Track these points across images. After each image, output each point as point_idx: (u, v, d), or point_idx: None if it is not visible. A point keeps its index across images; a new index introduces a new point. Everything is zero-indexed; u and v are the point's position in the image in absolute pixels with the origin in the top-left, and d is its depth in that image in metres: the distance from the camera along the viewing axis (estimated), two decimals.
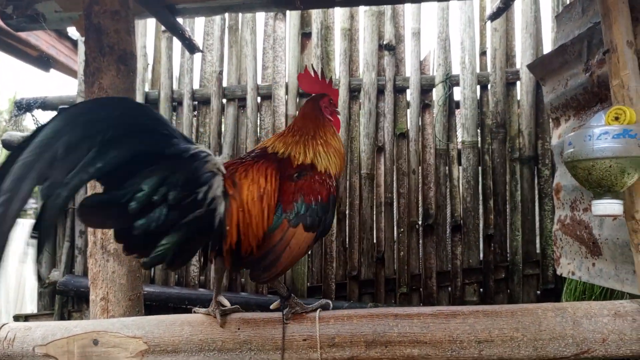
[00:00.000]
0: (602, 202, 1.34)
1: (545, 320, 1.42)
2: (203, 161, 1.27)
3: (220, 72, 2.97)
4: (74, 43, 4.14)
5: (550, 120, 2.11)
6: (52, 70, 4.13)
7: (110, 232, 1.62)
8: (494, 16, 2.46)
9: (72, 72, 4.62)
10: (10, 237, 1.02)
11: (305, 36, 2.99)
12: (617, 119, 1.37)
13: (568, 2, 2.21)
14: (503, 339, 1.40)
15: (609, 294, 2.07)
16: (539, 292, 2.76)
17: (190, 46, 2.59)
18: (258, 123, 2.97)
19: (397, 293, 2.77)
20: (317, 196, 1.46)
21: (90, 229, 1.66)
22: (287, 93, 2.93)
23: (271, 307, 1.53)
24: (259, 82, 2.97)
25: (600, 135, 1.30)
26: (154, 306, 2.72)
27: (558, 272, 2.00)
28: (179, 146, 1.24)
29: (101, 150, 1.10)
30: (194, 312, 1.50)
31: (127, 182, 1.15)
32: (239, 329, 1.44)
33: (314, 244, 1.49)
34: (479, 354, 1.41)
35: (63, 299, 2.94)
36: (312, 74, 1.70)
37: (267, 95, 2.95)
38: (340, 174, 1.59)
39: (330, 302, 1.52)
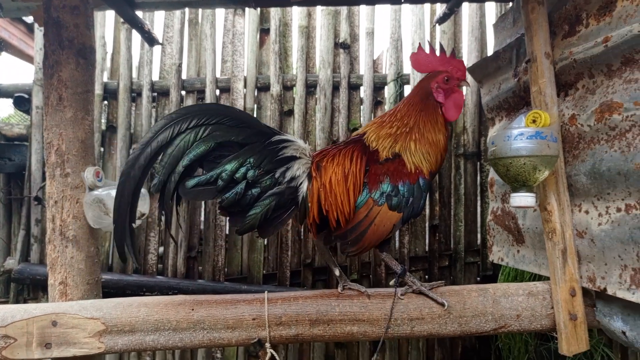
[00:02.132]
0: (518, 195, 1.51)
1: (469, 299, 1.60)
2: (281, 147, 1.55)
3: (180, 65, 3.02)
4: (28, 26, 4.06)
5: (487, 119, 2.30)
6: (3, 53, 4.05)
7: (69, 219, 1.69)
8: (440, 20, 2.63)
9: (25, 56, 4.53)
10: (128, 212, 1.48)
11: (264, 32, 3.08)
12: (534, 121, 1.55)
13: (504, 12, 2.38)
14: (432, 317, 1.58)
15: (537, 279, 2.29)
16: (479, 278, 2.98)
17: (149, 39, 2.64)
18: None
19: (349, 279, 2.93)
20: (404, 178, 1.56)
21: (49, 217, 1.71)
22: (245, 87, 3.02)
23: (390, 283, 1.67)
24: (218, 75, 3.04)
25: (517, 136, 1.46)
26: (111, 294, 2.77)
27: (490, 259, 2.19)
28: (260, 136, 1.55)
29: (199, 140, 1.49)
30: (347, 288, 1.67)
31: (217, 165, 1.50)
32: (192, 309, 1.55)
33: (403, 224, 1.61)
34: (411, 330, 1.58)
35: (18, 286, 2.95)
36: (427, 50, 1.65)
37: (225, 89, 3.02)
38: (438, 168, 1.61)
39: (443, 282, 1.66)
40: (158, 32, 2.96)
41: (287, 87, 3.05)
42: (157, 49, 3.02)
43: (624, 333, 1.45)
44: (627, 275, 1.35)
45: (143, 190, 1.80)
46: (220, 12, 3.10)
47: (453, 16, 3.03)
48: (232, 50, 3.05)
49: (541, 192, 1.61)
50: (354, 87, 3.05)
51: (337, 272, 1.67)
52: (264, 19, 3.07)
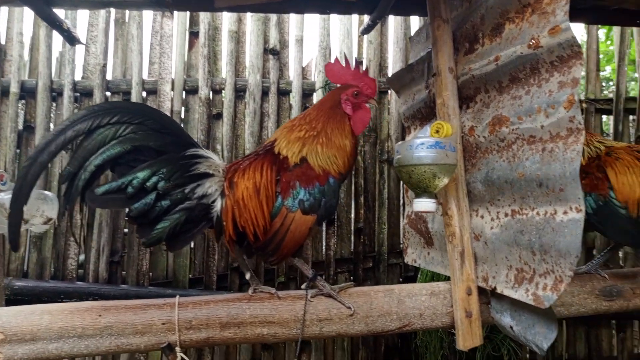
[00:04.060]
0: (420, 201, 1.60)
1: (376, 300, 1.67)
2: (194, 162, 1.56)
3: (105, 65, 2.95)
4: None
5: (405, 128, 2.41)
6: None
7: None
8: (365, 31, 2.72)
9: None
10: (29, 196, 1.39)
11: (193, 35, 3.06)
12: (437, 131, 1.65)
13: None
14: (340, 317, 1.64)
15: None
16: (401, 279, 3.10)
17: (70, 38, 2.55)
18: None
19: (276, 282, 2.97)
20: (313, 181, 1.60)
21: None
22: (173, 89, 2.99)
23: (302, 287, 1.69)
24: (145, 77, 2.99)
25: (418, 145, 1.55)
26: (26, 301, 2.64)
27: (405, 261, 2.30)
28: (177, 146, 1.55)
29: (115, 140, 1.46)
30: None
31: (129, 172, 1.47)
32: (100, 315, 1.53)
33: (319, 225, 1.65)
34: (320, 331, 1.63)
35: None
36: (343, 62, 1.71)
37: (152, 91, 2.98)
38: (347, 171, 1.68)
39: (353, 283, 1.71)
40: (82, 31, 2.88)
41: (216, 91, 3.05)
42: (80, 47, 2.93)
43: (511, 328, 1.58)
44: (512, 275, 1.48)
45: (51, 194, 1.76)
46: (148, 14, 3.05)
47: (380, 27, 3.16)
48: (159, 52, 3.01)
49: (443, 198, 1.72)
50: (283, 93, 3.09)
51: (248, 276, 1.70)
52: (193, 22, 3.06)
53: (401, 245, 3.12)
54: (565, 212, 1.26)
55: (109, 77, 2.97)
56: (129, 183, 1.47)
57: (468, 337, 1.62)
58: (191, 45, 3.07)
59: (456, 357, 2.58)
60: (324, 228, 3.05)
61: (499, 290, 1.53)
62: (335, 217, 3.04)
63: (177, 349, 1.54)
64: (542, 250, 1.33)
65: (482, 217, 1.65)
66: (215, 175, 1.61)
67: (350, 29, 3.12)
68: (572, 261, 1.22)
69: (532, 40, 1.36)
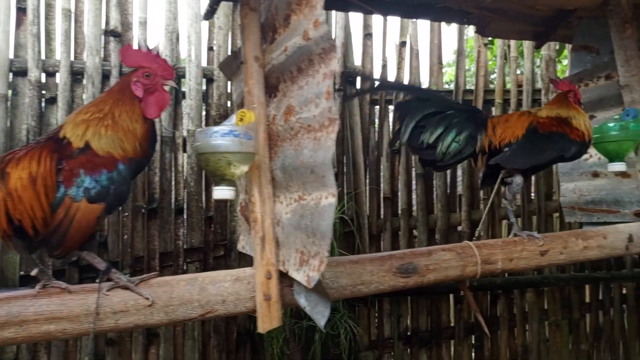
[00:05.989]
0: (219, 188, 1.61)
1: (177, 289, 1.66)
2: None
3: None
4: None
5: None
6: None
7: None
8: (205, 16, 2.67)
9: None
10: None
11: (21, 11, 2.81)
12: (242, 119, 1.67)
13: None
14: (138, 309, 1.60)
15: None
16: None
17: None
18: None
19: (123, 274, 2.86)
20: (100, 167, 1.52)
21: None
22: None
23: (96, 280, 1.59)
24: None
25: (213, 133, 1.55)
26: None
27: (238, 248, 2.33)
28: None
29: None
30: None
31: None
32: None
33: (109, 214, 1.59)
34: (116, 323, 1.59)
35: None
36: (137, 47, 1.66)
37: None
38: (140, 156, 1.61)
39: (157, 273, 1.67)
40: None
41: (50, 73, 2.84)
42: None
43: (305, 308, 1.65)
44: (297, 257, 1.54)
45: None
46: None
47: (232, 13, 3.14)
48: None
49: (248, 185, 1.75)
50: None
51: (34, 272, 1.60)
52: None
53: None
54: (326, 197, 1.33)
55: None
56: None
57: (267, 320, 1.67)
58: (19, 23, 2.82)
59: (296, 339, 2.67)
60: (172, 217, 2.99)
61: (290, 273, 1.60)
62: (185, 206, 2.99)
63: None
64: (313, 234, 1.40)
65: (281, 203, 1.70)
66: None
67: (199, 12, 3.06)
68: (328, 243, 1.30)
69: (305, 32, 1.41)
